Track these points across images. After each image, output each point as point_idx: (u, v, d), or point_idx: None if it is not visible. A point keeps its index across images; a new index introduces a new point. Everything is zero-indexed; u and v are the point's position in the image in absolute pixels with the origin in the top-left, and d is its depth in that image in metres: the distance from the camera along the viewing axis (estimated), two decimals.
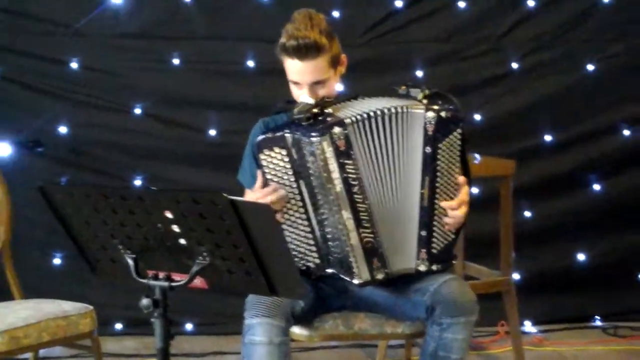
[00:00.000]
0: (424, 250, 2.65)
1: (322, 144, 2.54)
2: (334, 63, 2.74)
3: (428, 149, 2.58)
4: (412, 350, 3.82)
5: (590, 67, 4.56)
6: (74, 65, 4.43)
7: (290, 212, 2.64)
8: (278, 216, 2.61)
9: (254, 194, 2.65)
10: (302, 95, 2.68)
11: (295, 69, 2.70)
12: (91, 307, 3.12)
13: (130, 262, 2.20)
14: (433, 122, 2.57)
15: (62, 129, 4.45)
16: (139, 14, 4.44)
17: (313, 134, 2.54)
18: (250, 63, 4.47)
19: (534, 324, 4.52)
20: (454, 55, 4.55)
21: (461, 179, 2.65)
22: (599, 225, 4.62)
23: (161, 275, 2.17)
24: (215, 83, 4.49)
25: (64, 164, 4.47)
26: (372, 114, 2.58)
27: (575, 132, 4.60)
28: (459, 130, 2.61)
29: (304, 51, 2.65)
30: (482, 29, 4.55)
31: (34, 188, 2.19)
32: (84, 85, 4.45)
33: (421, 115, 2.58)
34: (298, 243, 2.66)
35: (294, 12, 2.74)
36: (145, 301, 2.17)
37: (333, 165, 2.56)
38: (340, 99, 2.72)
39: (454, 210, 2.63)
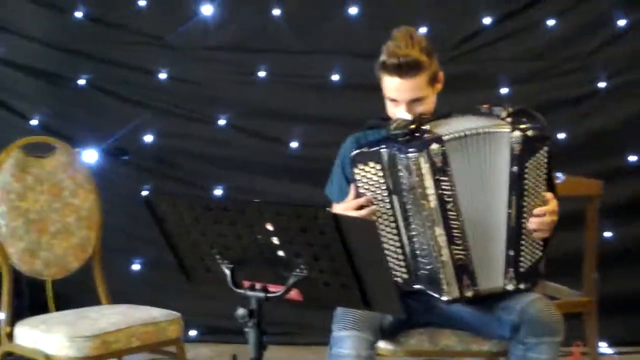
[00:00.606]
0: (511, 270, 2.64)
1: (419, 159, 2.56)
2: (433, 80, 2.75)
3: (515, 169, 2.58)
4: None
5: None
6: (162, 75, 4.53)
7: (382, 226, 2.66)
8: None
9: (345, 205, 2.67)
10: (400, 112, 2.69)
11: (395, 86, 2.71)
12: (178, 314, 3.17)
13: (227, 272, 2.23)
14: (520, 141, 2.57)
15: (148, 138, 4.54)
16: (227, 27, 4.52)
17: (410, 149, 2.57)
18: (335, 77, 4.50)
19: (610, 345, 4.44)
20: (542, 73, 4.53)
21: (548, 195, 2.64)
22: None
23: (258, 285, 2.20)
24: (299, 96, 4.55)
25: (148, 173, 4.57)
26: (468, 132, 2.59)
27: None
28: (545, 149, 2.60)
29: (405, 69, 2.67)
30: (571, 46, 4.51)
31: (140, 198, 2.24)
32: (171, 96, 4.54)
33: (507, 134, 2.58)
34: (387, 258, 2.66)
35: (394, 30, 2.76)
36: (241, 311, 2.20)
37: (429, 181, 2.57)
38: (432, 116, 2.73)
39: (542, 216, 2.61)
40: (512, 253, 2.63)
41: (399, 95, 2.72)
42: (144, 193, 2.25)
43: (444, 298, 2.64)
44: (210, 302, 4.29)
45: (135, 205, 4.39)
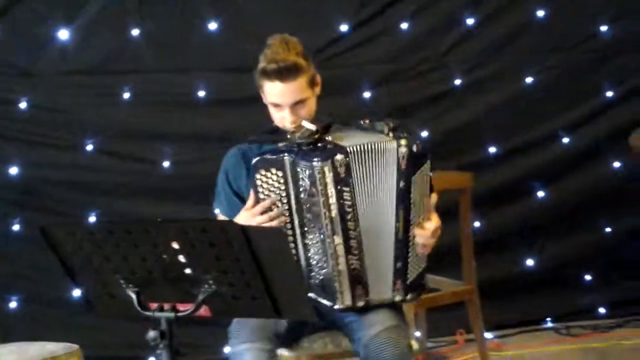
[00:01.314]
0: (399, 281, 2.70)
1: (323, 169, 2.60)
2: (312, 83, 2.81)
3: (402, 183, 2.64)
4: None
5: (528, 80, 4.73)
6: (23, 104, 4.41)
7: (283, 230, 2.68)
8: None
9: (247, 212, 2.69)
10: (304, 122, 2.73)
11: (277, 91, 2.76)
12: (77, 346, 3.10)
13: (133, 295, 2.21)
14: (405, 157, 2.63)
15: (13, 170, 4.41)
16: (86, 50, 4.45)
17: (315, 159, 2.60)
18: (201, 93, 4.50)
19: (490, 330, 4.62)
20: (399, 75, 4.67)
21: (433, 197, 2.73)
22: (545, 230, 4.78)
23: (166, 306, 2.19)
24: (166, 115, 4.52)
25: (17, 206, 4.44)
26: (366, 145, 2.64)
27: (518, 143, 4.76)
28: (428, 162, 2.69)
29: (285, 73, 2.72)
30: (425, 48, 4.68)
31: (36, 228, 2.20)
32: (34, 124, 4.43)
33: (394, 150, 2.63)
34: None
35: (268, 38, 2.82)
36: (152, 333, 2.18)
37: (331, 191, 2.61)
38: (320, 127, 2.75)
39: (427, 238, 2.70)
40: (399, 265, 2.69)
41: (281, 100, 2.77)
42: (40, 225, 2.18)
43: (337, 306, 2.68)
44: (96, 334, 4.21)
45: (5, 241, 4.31)
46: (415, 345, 2.87)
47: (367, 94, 4.62)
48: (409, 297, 2.73)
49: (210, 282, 2.15)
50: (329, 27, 4.59)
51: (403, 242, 2.67)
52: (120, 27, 4.45)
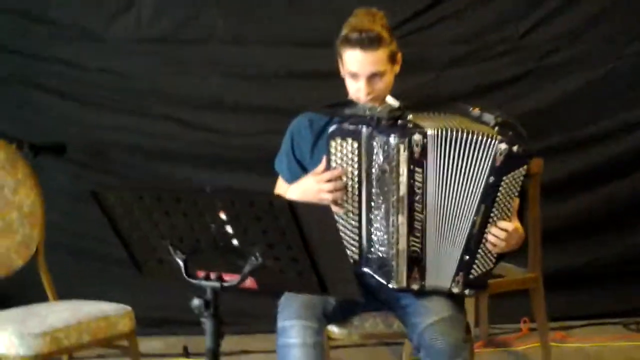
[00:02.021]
0: (461, 273, 2.67)
1: (399, 146, 2.58)
2: (392, 59, 2.78)
3: (492, 179, 2.59)
4: None
5: (609, 67, 4.59)
6: (94, 69, 4.46)
7: (345, 204, 2.67)
8: (334, 207, 2.64)
9: (315, 177, 2.69)
10: (388, 97, 2.71)
11: (356, 58, 2.73)
12: (129, 308, 3.13)
13: (181, 262, 2.21)
14: (503, 155, 2.57)
15: (83, 132, 4.47)
16: (157, 18, 4.47)
17: (392, 135, 2.59)
18: (272, 66, 4.49)
19: (556, 320, 4.53)
20: (475, 55, 4.58)
21: (516, 201, 2.66)
22: (617, 222, 4.65)
23: (213, 275, 2.19)
24: (235, 86, 4.52)
25: (85, 167, 4.51)
26: (452, 132, 2.60)
27: (592, 131, 4.63)
28: (525, 167, 2.62)
29: (367, 42, 2.70)
30: (502, 30, 4.58)
31: (88, 192, 2.21)
32: (104, 89, 4.48)
33: (493, 145, 2.58)
34: (342, 235, 2.67)
35: (355, 9, 2.80)
36: (196, 301, 2.18)
37: (403, 169, 2.59)
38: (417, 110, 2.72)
39: (505, 232, 2.63)
40: (467, 258, 2.66)
41: (360, 68, 2.74)
42: (92, 188, 2.20)
43: (391, 285, 2.66)
44: (158, 294, 4.29)
45: (75, 200, 4.38)
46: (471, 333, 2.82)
47: (440, 74, 4.54)
48: (467, 291, 2.70)
49: (257, 254, 2.13)
50: (407, 4, 4.51)
51: (477, 237, 2.64)
52: None
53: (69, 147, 4.38)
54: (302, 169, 2.87)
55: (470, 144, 2.59)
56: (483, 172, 2.59)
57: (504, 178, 2.59)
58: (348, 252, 2.68)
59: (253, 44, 4.50)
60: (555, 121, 4.60)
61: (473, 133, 2.59)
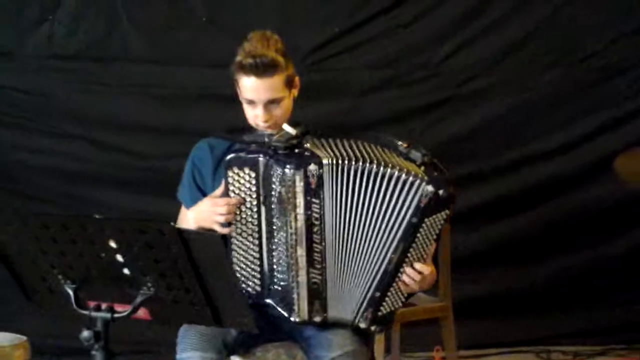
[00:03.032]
0: (370, 309, 2.63)
1: (294, 176, 2.54)
2: (289, 84, 2.73)
3: (414, 219, 2.55)
4: None
5: (527, 93, 4.61)
6: (5, 86, 4.34)
7: (244, 234, 2.62)
8: (228, 229, 2.60)
9: (211, 200, 2.66)
10: (285, 125, 2.65)
11: (251, 86, 2.68)
12: (24, 338, 3.04)
13: (71, 292, 2.14)
14: (428, 197, 2.54)
15: None
16: (74, 35, 4.37)
17: (288, 165, 2.54)
18: (183, 87, 4.43)
19: (468, 348, 4.52)
20: (394, 81, 4.56)
21: (433, 246, 2.64)
22: (529, 252, 4.66)
23: (103, 306, 2.12)
24: (146, 106, 4.45)
25: None
26: (353, 162, 2.56)
27: (512, 158, 4.64)
28: (447, 211, 2.59)
29: (262, 69, 2.65)
30: (421, 55, 4.57)
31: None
32: (15, 107, 4.36)
33: (420, 186, 2.54)
34: (243, 266, 2.63)
35: (250, 33, 2.75)
36: (86, 333, 2.12)
37: (300, 201, 2.55)
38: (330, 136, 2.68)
39: (415, 281, 2.61)
40: (377, 295, 2.62)
41: (255, 96, 2.69)
42: None
43: (293, 318, 2.62)
44: (55, 322, 4.05)
45: None
46: None
47: (358, 100, 4.52)
48: (373, 328, 2.66)
49: (149, 284, 2.08)
50: (323, 28, 4.48)
51: (390, 275, 2.60)
52: (109, 14, 4.37)
53: None
54: (203, 195, 2.80)
55: (396, 181, 2.55)
56: (406, 211, 2.55)
57: (426, 220, 2.56)
58: (250, 284, 2.63)
59: (168, 64, 4.42)
60: (472, 148, 4.60)
61: (400, 170, 2.55)
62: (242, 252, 2.62)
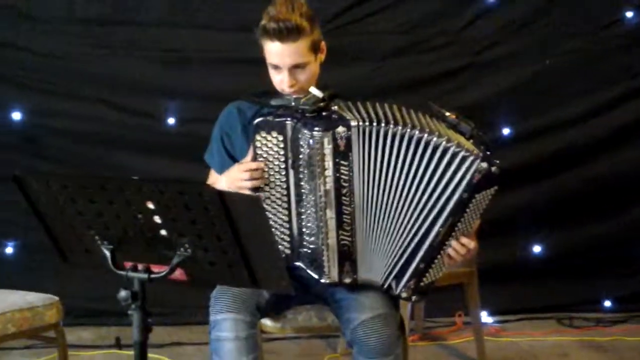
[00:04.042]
0: (414, 280, 2.63)
1: (323, 139, 2.52)
2: (315, 48, 2.69)
3: (465, 195, 2.53)
4: None
5: (547, 62, 4.60)
6: (27, 50, 4.33)
7: (273, 198, 2.62)
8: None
9: (240, 166, 2.64)
10: (312, 88, 2.61)
11: (275, 51, 2.65)
12: (56, 298, 3.05)
13: (107, 253, 2.14)
14: (482, 173, 2.51)
15: (16, 116, 4.35)
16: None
17: (316, 128, 2.53)
18: (206, 51, 4.43)
19: (491, 314, 4.56)
20: (414, 47, 4.56)
21: (477, 222, 2.63)
22: (554, 218, 4.68)
23: (140, 266, 2.12)
24: (169, 71, 4.44)
25: (17, 152, 4.39)
26: (384, 125, 2.53)
27: (531, 126, 4.65)
28: (495, 187, 2.57)
29: (285, 33, 2.61)
30: (443, 21, 4.56)
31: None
32: (36, 70, 4.36)
33: (473, 162, 2.51)
34: (273, 230, 2.61)
35: None
36: (123, 293, 2.11)
37: (328, 163, 2.53)
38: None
39: (459, 254, 2.61)
40: (422, 266, 2.61)
41: (280, 61, 2.66)
42: (14, 172, 2.13)
43: (323, 280, 2.62)
44: (90, 284, 4.19)
45: (4, 186, 4.26)
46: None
47: (379, 65, 4.52)
48: (414, 298, 2.67)
49: (186, 245, 2.07)
50: None
51: (436, 248, 2.59)
52: None
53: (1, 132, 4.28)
54: (231, 159, 2.80)
55: (446, 152, 2.50)
56: (457, 186, 2.52)
57: (476, 196, 2.54)
58: (280, 246, 2.63)
59: (190, 28, 4.42)
60: (493, 115, 4.60)
61: (451, 141, 2.50)
62: (271, 215, 2.62)
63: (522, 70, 4.62)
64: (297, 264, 2.64)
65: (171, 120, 4.45)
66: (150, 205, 2.03)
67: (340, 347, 3.99)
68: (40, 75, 4.37)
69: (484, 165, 2.51)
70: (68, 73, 4.39)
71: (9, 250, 4.37)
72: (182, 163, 4.33)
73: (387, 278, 2.64)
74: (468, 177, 2.51)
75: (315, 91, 2.60)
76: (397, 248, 2.61)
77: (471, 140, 2.56)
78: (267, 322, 2.78)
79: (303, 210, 2.60)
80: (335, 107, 2.58)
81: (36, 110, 4.38)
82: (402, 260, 2.62)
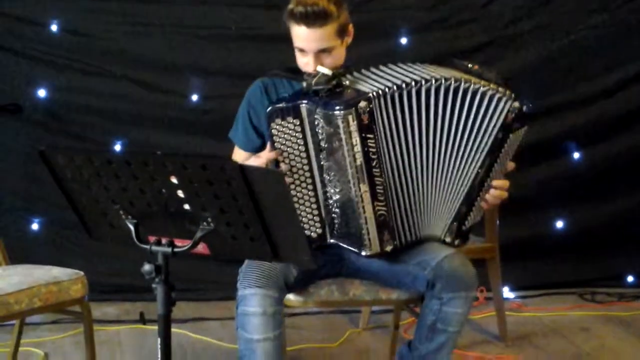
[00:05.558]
0: (456, 224, 2.69)
1: (347, 117, 2.53)
2: (341, 32, 2.70)
3: (500, 135, 2.60)
4: (401, 316, 3.83)
5: (572, 37, 4.59)
6: (54, 27, 4.35)
7: (297, 182, 2.65)
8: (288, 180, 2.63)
9: (259, 159, 2.67)
10: (319, 67, 2.64)
11: (302, 35, 2.66)
12: (81, 273, 3.07)
13: (132, 227, 2.17)
14: (514, 112, 2.59)
15: (41, 93, 4.38)
16: None
17: (337, 107, 2.54)
18: (233, 28, 4.43)
19: (513, 289, 4.56)
20: (437, 23, 4.56)
21: (511, 164, 2.70)
22: (576, 193, 4.67)
23: (164, 240, 2.15)
24: (196, 48, 4.45)
25: (43, 129, 4.41)
26: (404, 88, 2.58)
27: (555, 102, 4.64)
28: (526, 128, 2.65)
29: (312, 18, 2.62)
30: None
31: (37, 151, 2.16)
32: (63, 48, 4.38)
33: (506, 102, 2.60)
34: (303, 215, 2.67)
35: None
36: (147, 267, 2.15)
37: (356, 139, 2.55)
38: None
39: (499, 193, 2.66)
40: (464, 209, 2.67)
41: (306, 45, 2.67)
42: (40, 147, 2.16)
43: (365, 253, 2.66)
44: (114, 260, 4.26)
45: (31, 162, 4.31)
46: None
47: (402, 41, 4.50)
48: (457, 242, 2.72)
49: (209, 219, 2.10)
50: None
51: (476, 189, 2.65)
52: None
53: (25, 108, 4.30)
54: (258, 135, 2.82)
55: (478, 95, 2.58)
56: (493, 127, 2.60)
57: (510, 135, 2.61)
58: (312, 228, 2.67)
59: (216, 5, 4.42)
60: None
61: (480, 84, 2.58)
62: (298, 199, 2.66)
63: (547, 45, 4.60)
64: (332, 241, 2.68)
65: (195, 97, 4.46)
66: (174, 180, 2.06)
67: (362, 323, 4.02)
68: (65, 53, 4.38)
69: (516, 104, 2.59)
70: (93, 50, 4.40)
71: (35, 226, 4.41)
72: (206, 139, 4.37)
73: (446, 230, 2.71)
74: (502, 117, 2.59)
75: (323, 69, 2.62)
76: (446, 197, 2.66)
77: (500, 82, 2.63)
78: (289, 296, 2.80)
79: (329, 189, 2.63)
80: (347, 82, 2.60)
81: (61, 87, 4.39)
82: (447, 206, 2.68)
